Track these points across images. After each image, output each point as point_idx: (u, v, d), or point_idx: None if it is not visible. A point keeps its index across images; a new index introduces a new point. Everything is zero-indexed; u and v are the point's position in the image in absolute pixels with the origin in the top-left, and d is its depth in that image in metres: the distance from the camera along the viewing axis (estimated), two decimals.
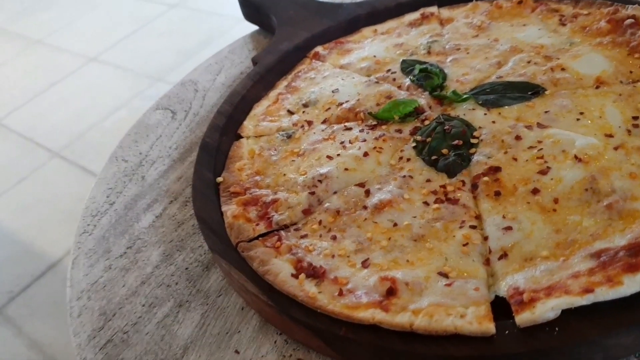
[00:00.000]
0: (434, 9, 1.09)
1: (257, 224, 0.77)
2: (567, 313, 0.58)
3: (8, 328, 2.14)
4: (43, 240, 2.47)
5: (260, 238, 0.75)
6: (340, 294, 0.66)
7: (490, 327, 0.59)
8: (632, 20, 0.92)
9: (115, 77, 3.37)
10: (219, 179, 0.85)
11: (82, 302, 0.80)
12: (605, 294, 0.58)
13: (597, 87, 0.84)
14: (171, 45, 3.47)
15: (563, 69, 0.88)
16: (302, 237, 0.75)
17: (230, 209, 0.79)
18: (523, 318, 0.59)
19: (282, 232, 0.76)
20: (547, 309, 0.58)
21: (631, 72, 0.86)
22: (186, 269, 0.81)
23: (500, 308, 0.62)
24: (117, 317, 0.77)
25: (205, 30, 3.53)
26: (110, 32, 3.75)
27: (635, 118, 0.78)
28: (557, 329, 0.58)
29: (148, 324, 0.76)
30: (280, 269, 0.70)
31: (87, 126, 3.00)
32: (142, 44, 3.60)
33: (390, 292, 0.64)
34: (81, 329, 0.77)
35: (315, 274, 0.69)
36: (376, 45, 1.05)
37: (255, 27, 1.27)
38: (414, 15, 1.09)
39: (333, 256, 0.71)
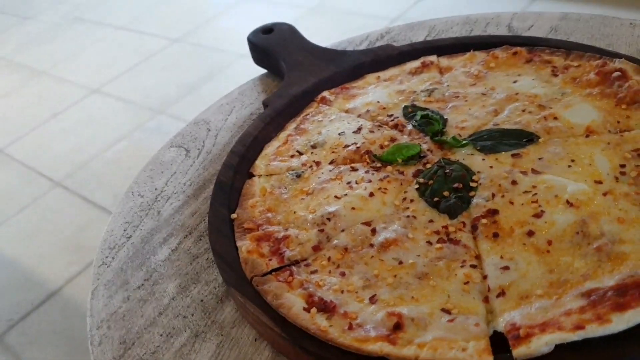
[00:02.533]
0: (433, 58, 1.16)
1: (270, 259, 0.82)
2: (560, 348, 0.64)
3: (7, 356, 2.16)
4: (43, 268, 2.49)
5: (273, 273, 0.80)
6: (350, 327, 0.71)
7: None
8: (619, 73, 0.99)
9: (117, 109, 3.43)
10: (233, 215, 0.91)
11: (103, 331, 0.84)
12: (595, 330, 0.64)
13: (587, 136, 0.91)
14: (172, 79, 3.55)
15: (555, 118, 0.94)
16: (313, 272, 0.80)
17: (244, 245, 0.84)
18: (520, 352, 0.64)
19: (294, 268, 0.81)
20: (541, 344, 0.64)
21: (619, 122, 0.92)
22: (201, 300, 0.86)
23: (499, 342, 0.67)
24: (136, 346, 0.81)
25: (206, 65, 3.61)
26: (113, 64, 3.83)
27: (622, 166, 0.84)
28: None
29: (166, 352, 0.80)
30: (293, 303, 0.75)
31: (89, 156, 3.05)
32: (144, 77, 3.67)
33: (397, 327, 0.69)
34: (102, 357, 0.81)
35: (326, 308, 0.74)
36: (379, 91, 1.12)
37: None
38: (415, 64, 1.16)
39: (342, 292, 0.76)
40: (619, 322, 0.64)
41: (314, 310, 0.73)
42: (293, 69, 1.19)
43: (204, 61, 3.67)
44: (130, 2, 4.63)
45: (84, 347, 0.87)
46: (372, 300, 0.74)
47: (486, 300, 0.72)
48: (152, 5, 4.51)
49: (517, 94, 1.03)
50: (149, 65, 3.77)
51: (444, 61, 1.16)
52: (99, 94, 3.58)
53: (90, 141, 3.17)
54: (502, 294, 0.72)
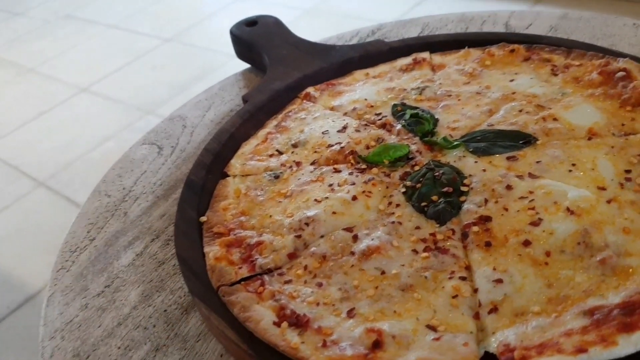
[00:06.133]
0: (426, 55, 1.09)
1: (240, 267, 0.74)
2: None
3: None
4: (22, 271, 2.41)
5: (242, 282, 0.73)
6: (324, 345, 0.63)
7: None
8: (624, 73, 0.92)
9: (106, 109, 3.36)
10: (203, 218, 0.83)
11: (55, 342, 0.77)
12: (599, 354, 0.56)
13: (589, 139, 0.84)
14: (163, 79, 3.48)
15: (555, 119, 0.87)
16: (286, 282, 0.73)
17: (212, 251, 0.77)
18: None
19: (266, 277, 0.73)
20: None
21: (623, 124, 0.85)
22: (165, 311, 0.78)
23: None
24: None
25: (197, 65, 3.54)
26: (103, 63, 3.76)
27: (627, 171, 0.77)
28: None
29: None
30: (261, 316, 0.67)
31: (74, 156, 2.97)
32: (134, 76, 3.60)
33: (376, 345, 0.62)
34: None
35: (299, 322, 0.66)
36: (368, 88, 1.05)
37: (247, 65, 1.27)
38: (406, 60, 1.09)
39: (318, 304, 0.69)
40: (626, 345, 0.57)
41: (284, 324, 0.66)
42: (276, 63, 1.12)
43: (196, 61, 3.60)
44: (122, 1, 4.55)
45: None
46: (350, 314, 0.67)
47: (477, 316, 0.65)
48: (144, 4, 4.44)
49: (514, 93, 0.96)
50: (139, 64, 3.70)
51: (437, 58, 1.09)
52: (88, 93, 3.50)
53: (76, 141, 3.10)
54: (494, 310, 0.64)
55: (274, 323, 0.66)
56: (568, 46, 1.03)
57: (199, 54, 3.68)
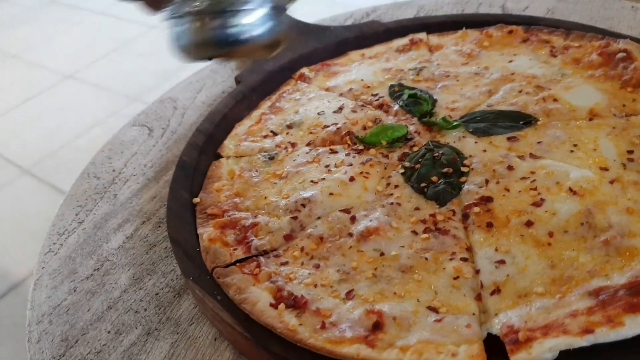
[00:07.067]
0: (423, 36, 1.07)
1: (235, 249, 0.72)
2: (564, 355, 0.55)
3: None
4: (7, 259, 2.36)
5: (237, 264, 0.70)
6: (323, 327, 0.61)
7: None
8: (624, 54, 0.91)
9: (92, 96, 3.30)
10: (196, 200, 0.81)
11: (43, 326, 0.74)
12: (605, 335, 0.55)
13: (590, 120, 0.82)
14: (150, 66, 3.42)
15: (555, 100, 0.86)
16: (283, 264, 0.71)
17: (206, 232, 0.74)
18: (519, 359, 0.55)
19: (262, 258, 0.71)
20: (544, 350, 0.55)
21: (624, 105, 0.84)
22: (156, 294, 0.76)
23: (494, 347, 0.58)
24: (79, 344, 0.71)
25: None
26: (89, 50, 3.69)
27: (630, 152, 0.76)
28: None
29: (113, 352, 0.70)
30: (258, 298, 0.65)
31: (60, 144, 2.92)
32: (121, 63, 3.54)
33: (377, 327, 0.60)
34: (40, 356, 0.70)
35: (296, 304, 0.64)
36: (364, 69, 1.03)
37: None
38: (403, 41, 1.07)
39: (315, 285, 0.67)
40: (634, 325, 0.55)
41: (282, 306, 0.64)
42: None
43: None
44: None
45: None
46: (349, 295, 0.65)
47: (479, 298, 0.63)
48: None
49: (513, 74, 0.94)
50: (126, 51, 3.64)
51: (434, 39, 1.07)
52: (73, 80, 3.44)
53: (61, 128, 3.04)
54: (497, 291, 0.63)
55: (271, 305, 0.64)
56: (567, 27, 1.01)
57: None
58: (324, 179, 0.80)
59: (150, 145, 1.01)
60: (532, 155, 0.78)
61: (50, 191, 2.68)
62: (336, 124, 0.90)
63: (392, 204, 0.75)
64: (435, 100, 0.92)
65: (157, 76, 3.28)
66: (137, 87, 3.24)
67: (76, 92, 3.35)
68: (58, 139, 2.96)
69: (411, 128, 0.87)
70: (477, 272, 0.65)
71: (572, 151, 0.77)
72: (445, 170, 0.78)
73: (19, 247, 2.41)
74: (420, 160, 0.81)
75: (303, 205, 0.77)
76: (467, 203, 0.73)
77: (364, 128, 0.89)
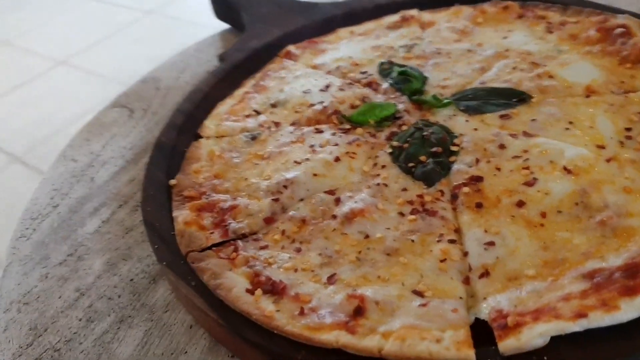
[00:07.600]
0: (414, 12, 1.03)
1: (212, 232, 0.69)
2: (556, 340, 0.52)
3: None
4: None
5: (214, 248, 0.67)
6: (302, 313, 0.58)
7: (469, 354, 0.52)
8: (623, 29, 0.87)
9: (85, 82, 3.25)
10: (172, 182, 0.77)
11: (11, 314, 0.71)
12: (599, 319, 0.52)
13: (587, 96, 0.78)
14: (144, 52, 3.37)
15: (551, 77, 0.82)
16: (262, 248, 0.67)
17: (181, 215, 0.71)
18: (507, 345, 0.52)
19: (240, 242, 0.68)
20: (534, 335, 0.51)
21: (622, 82, 0.80)
22: (131, 280, 0.73)
23: (481, 333, 0.54)
24: (49, 333, 0.68)
25: (180, 38, 3.40)
26: (82, 36, 3.64)
27: (628, 129, 0.72)
28: (545, 358, 0.51)
29: (84, 341, 0.66)
30: (234, 283, 0.62)
31: (52, 131, 2.88)
32: (115, 49, 3.49)
33: (358, 312, 0.57)
34: (6, 346, 0.67)
35: (274, 289, 0.61)
36: (352, 46, 0.99)
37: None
38: (394, 18, 1.03)
39: (296, 270, 0.63)
40: (629, 309, 0.52)
41: (258, 292, 0.60)
42: (255, 21, 1.05)
43: (179, 35, 3.49)
44: None
45: None
46: (331, 280, 0.62)
47: (467, 281, 0.60)
48: None
49: (507, 50, 0.90)
50: (120, 37, 3.59)
51: (426, 15, 1.03)
52: (66, 66, 3.39)
53: (53, 115, 3.00)
54: (485, 274, 0.59)
55: (247, 290, 0.61)
56: (564, 3, 0.97)
57: (180, 26, 3.58)
58: (308, 159, 0.77)
59: (130, 127, 0.98)
60: (525, 134, 0.74)
61: (40, 179, 2.64)
62: (322, 102, 0.86)
63: (378, 184, 0.72)
64: (426, 78, 0.88)
65: (151, 63, 3.22)
66: (131, 74, 3.17)
67: (68, 78, 3.31)
68: (50, 126, 2.92)
69: (400, 107, 0.83)
70: (466, 254, 0.62)
71: (567, 129, 0.74)
72: (434, 149, 0.75)
73: (7, 236, 2.37)
74: (408, 139, 0.77)
75: (285, 187, 0.73)
76: (456, 183, 0.70)
77: (352, 107, 0.85)
